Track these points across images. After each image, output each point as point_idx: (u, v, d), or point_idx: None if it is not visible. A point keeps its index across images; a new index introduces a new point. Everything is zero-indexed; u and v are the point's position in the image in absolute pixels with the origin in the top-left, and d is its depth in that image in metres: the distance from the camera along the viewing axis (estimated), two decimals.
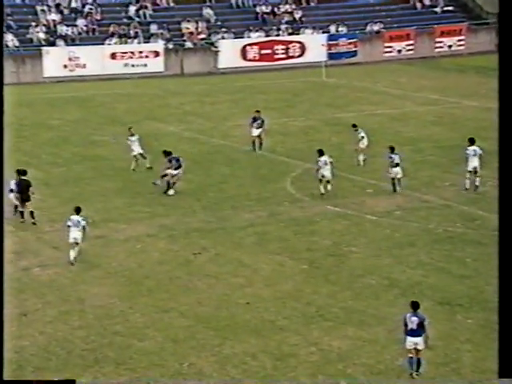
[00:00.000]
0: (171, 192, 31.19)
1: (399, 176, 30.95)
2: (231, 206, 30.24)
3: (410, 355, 18.63)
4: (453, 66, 60.37)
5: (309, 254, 25.83)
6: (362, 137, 35.24)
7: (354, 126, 36.03)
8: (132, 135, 35.20)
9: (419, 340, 18.48)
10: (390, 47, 64.11)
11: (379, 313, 21.77)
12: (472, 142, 31.68)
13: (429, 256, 25.50)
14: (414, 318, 18.53)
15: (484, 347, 19.92)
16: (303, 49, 61.92)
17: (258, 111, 38.03)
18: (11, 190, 28.07)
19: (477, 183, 31.06)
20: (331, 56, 61.87)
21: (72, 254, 24.84)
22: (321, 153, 30.89)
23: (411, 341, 18.48)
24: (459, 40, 65.10)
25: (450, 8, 67.25)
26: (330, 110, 46.62)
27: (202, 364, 19.24)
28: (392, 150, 31.21)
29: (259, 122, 37.36)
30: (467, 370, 18.93)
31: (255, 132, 37.41)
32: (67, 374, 18.50)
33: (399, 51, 64.10)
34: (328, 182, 30.67)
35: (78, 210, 25.26)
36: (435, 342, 19.78)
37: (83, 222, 25.00)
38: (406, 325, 18.58)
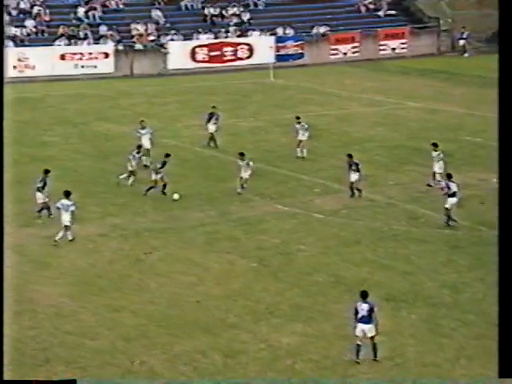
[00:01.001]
0: (176, 196, 30.63)
1: (358, 182, 30.54)
2: (182, 206, 30.20)
3: (359, 342, 18.98)
4: (396, 68, 60.82)
5: (258, 252, 25.91)
6: (306, 129, 35.90)
7: (298, 118, 36.70)
8: (143, 128, 35.43)
9: (369, 327, 18.91)
10: (335, 49, 64.39)
11: (326, 309, 21.92)
12: (436, 145, 31.87)
13: (374, 253, 25.73)
14: (365, 305, 19.02)
15: (427, 342, 20.19)
16: (251, 51, 61.99)
17: (214, 107, 38.29)
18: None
19: (431, 183, 31.33)
20: (279, 58, 62.01)
21: (60, 234, 26.06)
22: (241, 155, 31.07)
23: (361, 328, 18.92)
24: (402, 43, 65.63)
25: (393, 12, 67.76)
26: (278, 110, 46.73)
27: (153, 362, 19.23)
28: (350, 156, 30.98)
29: (215, 118, 37.55)
30: (411, 364, 19.17)
31: (212, 128, 37.60)
32: (18, 372, 18.35)
33: (345, 53, 64.43)
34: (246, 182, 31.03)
35: (67, 194, 26.32)
36: (381, 338, 20.01)
37: (72, 207, 26.06)
38: (356, 313, 19.02)
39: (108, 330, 20.75)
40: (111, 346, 19.95)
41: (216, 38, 62.32)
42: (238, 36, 62.99)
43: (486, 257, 25.36)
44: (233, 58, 61.79)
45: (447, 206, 28.03)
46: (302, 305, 22.20)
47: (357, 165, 30.42)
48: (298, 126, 36.37)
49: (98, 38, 60.22)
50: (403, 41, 65.59)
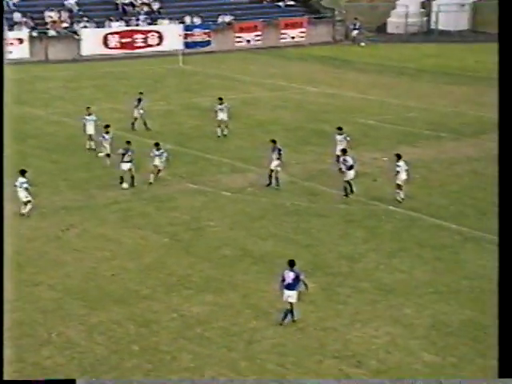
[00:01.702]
0: (125, 185, 29.40)
1: (278, 169, 29.63)
2: (97, 185, 29.83)
3: (288, 308, 19.35)
4: (296, 55, 61.14)
5: (170, 228, 25.80)
6: (228, 110, 36.22)
7: (220, 99, 36.80)
8: (89, 115, 34.74)
9: (293, 293, 19.22)
10: (240, 37, 64.40)
11: (234, 280, 21.98)
12: (340, 129, 31.86)
13: (278, 228, 25.87)
14: (291, 274, 19.30)
15: (325, 308, 20.44)
16: (161, 38, 61.55)
17: (141, 93, 38.14)
18: None
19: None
20: (187, 45, 61.77)
21: (23, 209, 26.63)
22: (157, 145, 30.52)
23: (287, 294, 19.23)
24: (301, 32, 66.07)
25: (292, 2, 68.11)
26: (187, 94, 46.49)
27: (70, 333, 19.01)
28: (274, 142, 30.06)
29: (143, 102, 37.45)
30: (311, 328, 19.37)
31: (138, 112, 37.39)
32: None
33: (248, 41, 64.51)
34: (159, 170, 30.18)
35: (22, 172, 26.77)
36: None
37: (25, 185, 26.51)
38: (283, 280, 19.30)
39: (27, 303, 20.43)
40: (30, 318, 19.65)
41: (127, 25, 61.71)
42: (149, 24, 62.49)
43: (379, 229, 25.82)
44: (143, 44, 61.29)
45: (347, 178, 28.32)
46: (211, 277, 22.21)
47: (279, 151, 29.64)
48: (219, 106, 36.42)
49: (12, 25, 58.95)
50: (302, 30, 66.05)
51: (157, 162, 29.95)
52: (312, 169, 32.02)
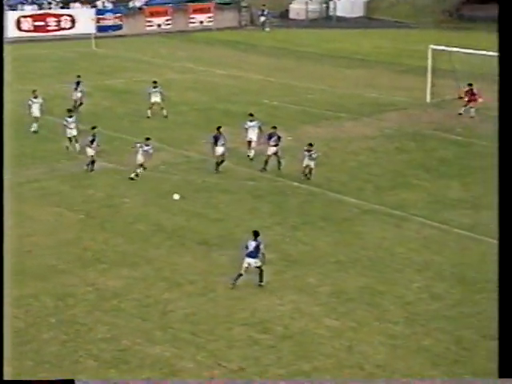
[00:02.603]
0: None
1: (223, 155, 28.74)
2: (14, 164, 29.10)
3: (241, 272, 19.68)
4: (204, 39, 60.80)
5: (85, 205, 25.42)
6: (161, 92, 35.90)
7: (155, 82, 36.41)
8: (35, 97, 34.04)
9: (255, 260, 19.68)
10: (150, 22, 63.66)
11: (148, 254, 21.83)
12: (251, 115, 31.37)
13: (189, 204, 25.78)
14: (253, 243, 19.76)
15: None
16: (74, 21, 60.37)
17: (79, 76, 37.62)
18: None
19: (250, 154, 30.63)
20: (99, 29, 60.73)
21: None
22: (69, 111, 31.10)
23: (248, 261, 19.69)
24: (209, 17, 65.73)
25: None
26: (100, 77, 45.72)
27: None
28: (218, 129, 29.10)
29: (82, 84, 37.09)
30: (221, 298, 19.43)
31: (77, 95, 36.91)
32: None
33: (159, 25, 63.84)
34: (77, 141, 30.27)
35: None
36: (194, 277, 20.17)
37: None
38: (246, 247, 19.77)
39: None
40: None
41: (40, 9, 60.36)
42: (61, 8, 61.23)
43: (284, 204, 25.99)
44: (56, 28, 60.04)
45: (270, 153, 28.59)
46: (126, 251, 22.01)
47: (278, 137, 28.76)
48: (153, 89, 36.02)
49: None
50: (210, 15, 65.72)
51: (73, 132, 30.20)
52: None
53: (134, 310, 18.77)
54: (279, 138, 28.86)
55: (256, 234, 19.95)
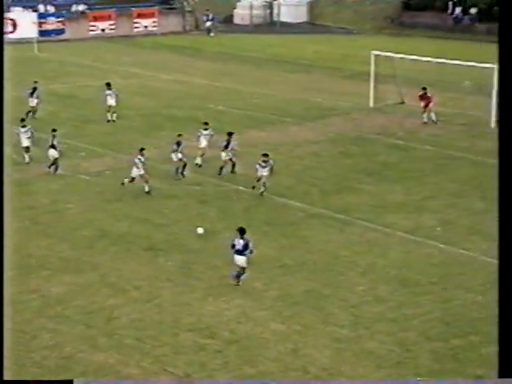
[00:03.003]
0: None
1: (184, 160, 28.57)
2: None
3: (237, 269, 20.04)
4: (149, 44, 60.52)
5: (29, 211, 25.09)
6: (116, 95, 35.83)
7: (108, 84, 36.28)
8: (109, 89, 35.26)
9: (243, 258, 19.90)
10: (94, 26, 63.16)
11: (92, 260, 21.61)
12: (206, 124, 30.96)
13: (134, 209, 25.60)
14: (241, 241, 19.87)
15: (180, 284, 20.42)
16: (15, 25, 59.62)
17: (36, 82, 37.49)
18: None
19: (198, 162, 30.32)
20: (42, 33, 60.10)
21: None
22: (22, 121, 30.32)
23: (237, 258, 19.94)
24: (153, 21, 65.51)
25: None
26: (43, 81, 45.00)
27: None
28: (179, 136, 29.03)
29: (38, 91, 36.90)
30: (167, 304, 19.32)
31: (33, 102, 36.71)
32: None
33: (103, 30, 63.35)
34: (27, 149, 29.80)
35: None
36: (140, 283, 20.01)
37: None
38: (233, 246, 19.97)
39: None
40: None
41: None
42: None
43: (230, 209, 25.97)
44: None
45: (226, 158, 28.69)
46: (70, 257, 21.76)
47: (180, 145, 28.66)
48: (108, 92, 35.84)
49: None
50: (154, 19, 65.54)
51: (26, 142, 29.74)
52: (167, 152, 31.72)
53: (78, 316, 18.56)
54: (232, 143, 28.83)
55: (242, 232, 19.98)
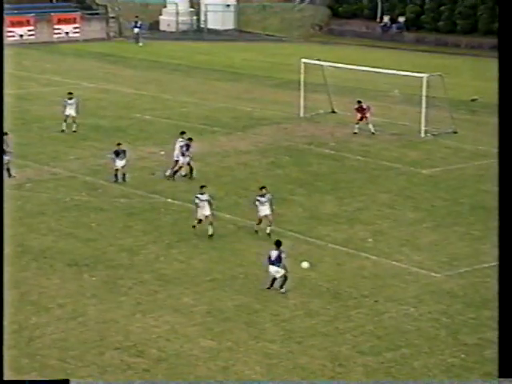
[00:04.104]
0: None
1: (124, 168, 28.72)
2: None
3: (272, 281, 20.78)
4: (71, 50, 59.92)
5: None
6: (77, 104, 35.51)
7: (70, 93, 36.07)
8: (70, 99, 34.59)
9: (277, 269, 20.66)
10: (12, 32, 62.24)
11: (14, 277, 21.16)
12: (183, 133, 30.68)
13: (58, 223, 25.28)
14: (275, 252, 20.75)
15: (107, 300, 20.22)
16: None
17: None
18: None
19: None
20: None
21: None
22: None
23: (271, 269, 20.76)
24: (75, 27, 64.93)
25: None
26: None
27: None
28: (119, 144, 29.07)
29: None
30: (92, 321, 19.11)
31: None
32: None
33: (21, 36, 62.52)
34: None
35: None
36: (64, 300, 19.74)
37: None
38: (269, 257, 20.82)
39: None
40: None
41: None
42: None
43: (158, 221, 25.85)
44: None
45: (185, 162, 29.27)
46: None
47: (124, 152, 28.79)
48: (69, 101, 35.60)
49: None
50: (76, 25, 64.93)
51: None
52: (91, 164, 31.51)
53: None
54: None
55: (278, 244, 20.91)
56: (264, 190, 24.69)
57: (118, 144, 29.32)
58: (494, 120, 41.75)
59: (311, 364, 17.51)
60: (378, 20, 64.86)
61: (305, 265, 21.26)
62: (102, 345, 18.10)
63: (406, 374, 17.12)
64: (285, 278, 20.80)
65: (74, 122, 35.74)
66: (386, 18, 64.23)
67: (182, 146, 29.63)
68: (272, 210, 24.52)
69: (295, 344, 18.35)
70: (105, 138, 32.83)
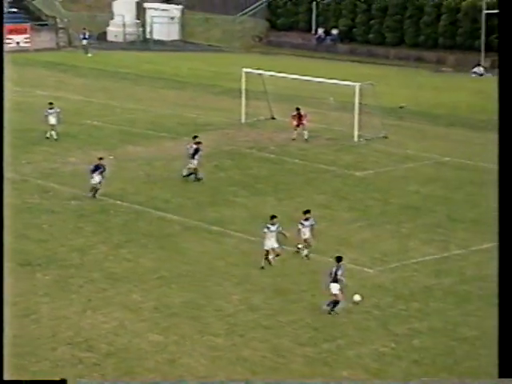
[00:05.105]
0: None
1: (100, 184, 27.41)
2: None
3: (332, 298, 19.36)
4: (22, 60, 58.85)
5: None
6: (58, 113, 34.98)
7: (51, 103, 35.57)
8: (51, 109, 33.85)
9: (336, 285, 19.38)
10: None
11: None
12: (195, 137, 30.71)
13: (11, 225, 24.56)
14: (333, 268, 19.46)
15: (58, 298, 20.01)
16: None
17: None
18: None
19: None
20: None
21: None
22: None
23: (331, 286, 19.37)
24: (26, 38, 63.99)
25: (15, 10, 65.66)
26: None
27: None
28: (100, 159, 27.82)
29: None
30: (45, 318, 18.90)
31: None
32: None
33: None
34: None
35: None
36: (16, 298, 19.43)
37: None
38: (330, 274, 19.48)
39: None
40: None
41: None
42: None
43: (108, 223, 25.60)
44: None
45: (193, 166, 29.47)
46: None
47: (104, 167, 27.56)
48: (50, 111, 35.00)
49: None
50: (26, 36, 64.04)
51: None
52: (43, 168, 31.09)
53: None
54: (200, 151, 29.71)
55: (338, 260, 19.70)
56: (308, 215, 23.00)
57: (100, 158, 27.93)
58: (420, 126, 42.64)
59: (253, 356, 17.52)
60: (313, 32, 65.19)
61: (357, 298, 19.72)
62: (54, 341, 17.87)
63: (342, 363, 17.24)
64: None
65: (54, 130, 35.20)
66: (321, 31, 64.60)
67: (190, 150, 29.91)
68: (312, 235, 22.88)
69: (238, 337, 18.34)
70: (56, 144, 32.41)
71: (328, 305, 19.45)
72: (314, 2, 64.78)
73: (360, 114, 36.30)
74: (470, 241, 24.37)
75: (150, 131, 37.77)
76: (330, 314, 19.36)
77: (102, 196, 27.93)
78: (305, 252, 22.98)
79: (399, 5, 60.59)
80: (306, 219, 22.99)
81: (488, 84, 49.41)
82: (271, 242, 21.89)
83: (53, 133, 35.27)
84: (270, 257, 22.03)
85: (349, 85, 37.21)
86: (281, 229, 21.95)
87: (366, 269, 22.22)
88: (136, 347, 17.74)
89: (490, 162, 32.90)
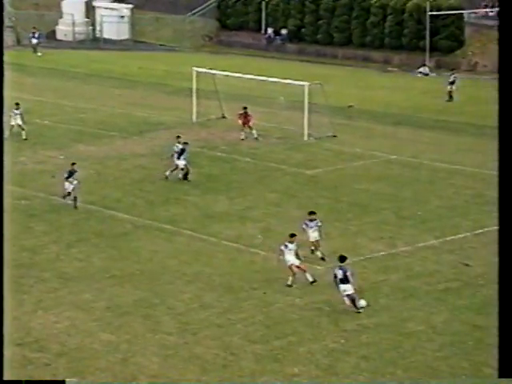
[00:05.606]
0: None
1: (75, 191, 26.62)
2: None
3: (345, 300, 19.17)
4: None
5: None
6: (21, 114, 34.70)
7: (17, 104, 34.81)
8: (17, 109, 33.11)
9: (348, 286, 19.09)
10: None
11: None
12: (178, 137, 30.62)
13: None
14: (340, 271, 19.14)
15: (11, 299, 19.57)
16: None
17: None
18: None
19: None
20: None
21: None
22: None
23: (342, 288, 19.12)
24: None
25: None
26: None
27: None
28: (73, 164, 27.13)
29: None
30: None
31: None
32: None
33: None
34: None
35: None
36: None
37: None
38: (335, 276, 19.22)
39: None
40: None
41: None
42: None
43: (59, 222, 25.30)
44: None
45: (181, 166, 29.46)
46: None
47: (75, 173, 26.85)
48: (16, 111, 34.57)
49: None
50: None
51: None
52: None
53: None
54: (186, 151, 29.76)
55: (342, 260, 19.35)
56: (313, 216, 22.56)
57: (73, 164, 27.32)
58: (369, 125, 42.87)
59: (205, 354, 17.48)
60: (263, 32, 65.30)
61: (363, 303, 19.37)
62: (4, 341, 17.55)
63: (292, 360, 17.28)
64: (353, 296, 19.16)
65: (23, 129, 34.73)
66: (270, 31, 64.71)
67: (177, 151, 29.78)
68: (320, 236, 22.54)
69: (190, 335, 18.28)
70: (6, 143, 31.75)
71: (353, 304, 19.21)
72: (264, 2, 64.88)
73: (309, 113, 36.46)
74: (416, 237, 24.64)
75: (101, 130, 37.43)
76: (359, 312, 19.17)
77: (53, 195, 27.61)
78: (319, 254, 22.51)
79: (346, 5, 61.03)
80: (311, 220, 22.52)
81: (433, 84, 50.17)
82: (292, 258, 20.88)
83: (23, 132, 34.85)
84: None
85: (298, 84, 37.34)
86: (296, 248, 20.95)
87: (315, 266, 22.31)
88: (88, 347, 17.58)
89: (436, 160, 33.46)
